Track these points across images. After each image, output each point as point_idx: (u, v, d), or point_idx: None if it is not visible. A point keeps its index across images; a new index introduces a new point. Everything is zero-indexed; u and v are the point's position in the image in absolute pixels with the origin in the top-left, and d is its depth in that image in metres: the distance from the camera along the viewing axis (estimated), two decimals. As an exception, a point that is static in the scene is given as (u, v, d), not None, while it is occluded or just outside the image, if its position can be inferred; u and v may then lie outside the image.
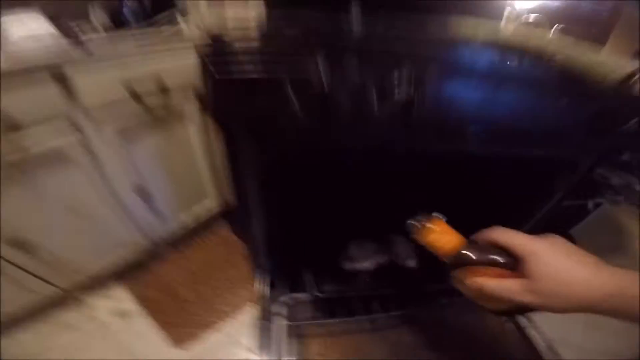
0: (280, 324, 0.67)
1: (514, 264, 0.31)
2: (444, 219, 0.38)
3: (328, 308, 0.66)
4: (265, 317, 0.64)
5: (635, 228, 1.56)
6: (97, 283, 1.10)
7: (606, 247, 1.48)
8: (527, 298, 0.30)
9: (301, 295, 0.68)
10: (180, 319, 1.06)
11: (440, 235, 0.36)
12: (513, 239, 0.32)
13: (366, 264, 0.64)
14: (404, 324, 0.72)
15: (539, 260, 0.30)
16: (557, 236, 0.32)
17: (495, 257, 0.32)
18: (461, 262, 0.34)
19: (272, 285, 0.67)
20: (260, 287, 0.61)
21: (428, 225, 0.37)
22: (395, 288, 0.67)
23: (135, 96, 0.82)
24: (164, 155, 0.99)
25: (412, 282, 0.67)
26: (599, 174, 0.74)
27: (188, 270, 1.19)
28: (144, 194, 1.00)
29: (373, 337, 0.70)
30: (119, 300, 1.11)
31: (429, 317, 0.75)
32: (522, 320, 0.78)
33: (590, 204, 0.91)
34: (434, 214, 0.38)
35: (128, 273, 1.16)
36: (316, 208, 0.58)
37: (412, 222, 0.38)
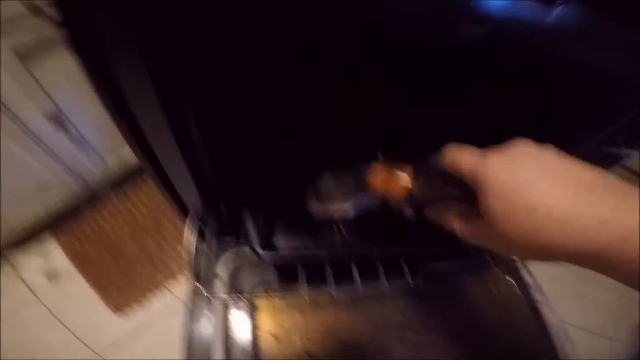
0: (219, 294, 0.52)
1: (472, 195, 0.23)
2: (380, 157, 0.33)
3: (289, 273, 0.48)
4: (202, 284, 0.47)
5: None
6: (24, 238, 0.98)
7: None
8: (489, 245, 0.23)
9: (250, 254, 0.50)
10: (121, 280, 0.94)
11: (388, 177, 0.31)
12: (460, 163, 0.24)
13: (344, 207, 0.44)
14: (395, 297, 0.59)
15: (490, 192, 0.21)
16: (525, 144, 0.22)
17: (440, 193, 0.27)
18: (412, 203, 0.30)
19: (203, 238, 0.48)
20: (191, 243, 0.43)
21: (369, 174, 0.32)
22: (385, 247, 0.48)
23: (35, 9, 0.68)
24: (81, 78, 0.78)
25: (408, 240, 0.48)
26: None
27: (131, 218, 1.04)
28: (60, 123, 0.81)
29: (351, 314, 0.57)
30: (51, 258, 0.98)
31: (428, 290, 0.61)
32: (535, 293, 0.66)
33: (623, 152, 0.73)
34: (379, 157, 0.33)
35: (61, 223, 1.02)
36: (261, 118, 0.38)
37: (355, 174, 0.34)
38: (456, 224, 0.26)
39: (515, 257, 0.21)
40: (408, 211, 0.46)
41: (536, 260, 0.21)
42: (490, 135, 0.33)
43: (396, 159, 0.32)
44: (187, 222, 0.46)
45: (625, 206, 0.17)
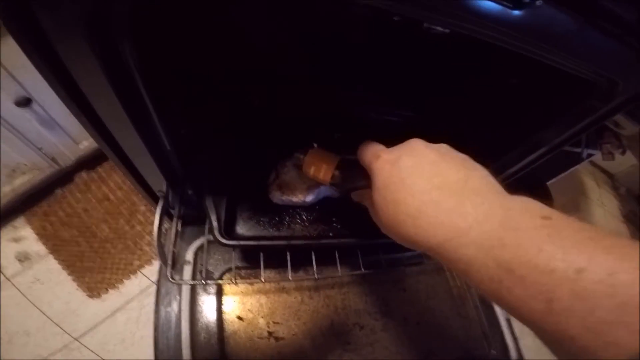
0: (187, 279, 0.53)
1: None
2: (315, 146, 0.37)
3: (255, 259, 0.49)
4: (171, 269, 0.47)
5: (594, 193, 1.58)
6: None
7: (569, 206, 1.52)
8: (382, 230, 0.25)
9: (212, 240, 0.51)
10: (94, 262, 0.92)
11: (318, 165, 0.35)
12: (363, 157, 0.27)
13: (304, 196, 0.45)
14: (355, 283, 0.62)
15: (374, 186, 0.24)
16: (413, 146, 0.24)
17: (356, 181, 0.30)
18: (339, 187, 0.35)
19: (173, 220, 0.49)
20: (159, 229, 0.43)
21: (304, 158, 0.37)
22: (341, 237, 0.50)
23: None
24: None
25: (363, 230, 0.51)
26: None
27: (104, 200, 1.01)
28: (27, 105, 0.78)
29: (313, 299, 0.59)
30: (23, 241, 0.95)
31: (386, 278, 0.64)
32: None
33: (584, 153, 0.77)
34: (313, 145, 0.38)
35: (32, 206, 0.98)
36: (217, 99, 0.39)
37: (293, 159, 0.39)
38: (368, 206, 0.29)
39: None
40: (334, 192, 0.50)
41: (408, 246, 0.22)
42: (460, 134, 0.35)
43: (330, 150, 0.37)
44: (157, 208, 0.47)
45: (461, 210, 0.19)
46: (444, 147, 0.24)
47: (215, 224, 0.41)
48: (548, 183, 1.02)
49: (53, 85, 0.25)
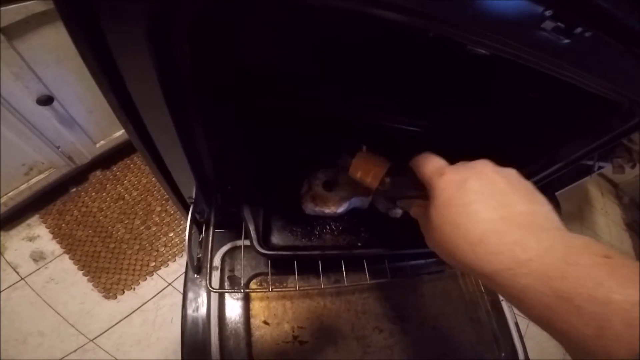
0: (215, 285, 0.53)
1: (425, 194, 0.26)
2: (364, 149, 0.35)
3: (282, 266, 0.51)
4: (199, 275, 0.48)
5: (598, 202, 1.62)
6: (10, 219, 0.93)
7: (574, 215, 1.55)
8: (427, 242, 0.25)
9: (247, 248, 0.52)
10: (109, 263, 0.91)
11: (367, 168, 0.33)
12: (424, 170, 0.26)
13: (336, 207, 0.46)
14: (375, 289, 0.63)
15: (433, 203, 0.23)
16: (482, 168, 0.23)
17: (409, 190, 0.29)
18: (386, 194, 0.33)
19: (201, 230, 0.50)
20: (190, 235, 0.44)
21: (352, 160, 0.35)
22: (371, 247, 0.51)
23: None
24: (71, 57, 0.75)
25: (391, 241, 0.52)
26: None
27: (118, 197, 1.00)
28: (48, 103, 0.78)
29: (335, 304, 0.60)
30: (36, 237, 0.94)
31: (405, 284, 0.65)
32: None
33: (596, 166, 0.79)
34: (362, 148, 0.36)
35: (47, 205, 0.98)
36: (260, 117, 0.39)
37: (340, 160, 0.36)
38: (417, 214, 0.28)
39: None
40: (384, 208, 0.50)
41: (452, 265, 0.23)
42: (479, 146, 0.36)
43: (380, 154, 0.35)
44: (188, 216, 0.47)
45: (524, 244, 0.19)
46: (513, 175, 0.24)
47: (253, 234, 0.42)
48: (558, 193, 1.05)
49: (105, 91, 0.25)
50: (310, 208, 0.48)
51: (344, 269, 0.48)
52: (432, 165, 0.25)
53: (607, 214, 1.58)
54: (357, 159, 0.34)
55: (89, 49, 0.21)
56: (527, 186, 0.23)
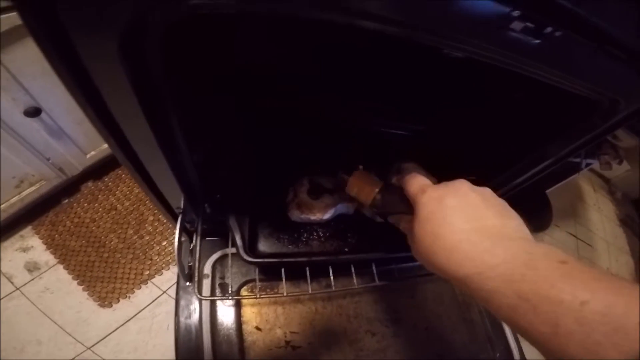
0: (207, 292, 0.54)
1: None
2: (360, 168, 0.38)
3: (272, 272, 0.51)
4: (190, 283, 0.48)
5: (591, 198, 1.62)
6: (2, 231, 0.94)
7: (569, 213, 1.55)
8: (413, 254, 0.27)
9: (233, 254, 0.52)
10: (104, 272, 0.92)
11: (361, 186, 0.37)
12: (408, 186, 0.28)
13: (322, 214, 0.47)
14: (366, 293, 0.63)
15: (416, 218, 0.26)
16: (460, 187, 0.26)
17: (399, 206, 0.31)
18: (378, 209, 0.36)
19: (191, 238, 0.50)
20: (179, 244, 0.44)
21: (348, 178, 0.38)
22: (358, 252, 0.52)
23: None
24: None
25: (377, 245, 0.53)
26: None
27: (110, 208, 1.01)
28: (36, 115, 0.77)
29: (327, 308, 0.60)
30: (31, 251, 0.94)
31: (396, 287, 0.66)
32: None
33: (583, 164, 0.80)
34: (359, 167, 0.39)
35: (40, 216, 0.98)
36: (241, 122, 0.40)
37: (340, 176, 0.39)
38: (405, 229, 0.31)
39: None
40: (370, 213, 0.51)
41: (436, 274, 0.25)
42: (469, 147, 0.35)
43: (375, 172, 0.39)
44: (177, 225, 0.48)
45: (493, 251, 0.22)
46: (487, 192, 0.26)
47: (239, 242, 0.43)
48: (548, 191, 1.06)
49: (81, 104, 0.25)
50: (296, 215, 0.49)
51: (331, 274, 0.49)
52: (417, 184, 0.28)
53: (600, 210, 1.59)
54: (353, 177, 0.38)
55: (61, 65, 0.21)
56: (499, 202, 0.26)
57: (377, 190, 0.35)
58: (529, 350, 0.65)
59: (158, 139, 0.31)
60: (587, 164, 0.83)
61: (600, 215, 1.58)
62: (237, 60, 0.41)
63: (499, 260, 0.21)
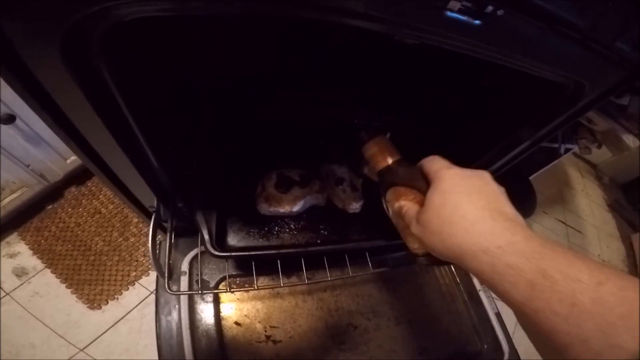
0: (185, 290, 0.54)
1: (425, 190, 0.30)
2: (386, 136, 0.38)
3: (249, 267, 0.51)
4: (169, 281, 0.48)
5: (578, 184, 1.61)
6: None
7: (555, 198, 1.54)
8: (414, 228, 0.28)
9: (203, 251, 0.52)
10: (91, 275, 0.92)
11: (379, 152, 0.37)
12: (431, 164, 0.30)
13: (290, 207, 0.47)
14: (347, 285, 0.63)
15: (436, 188, 0.27)
16: (483, 174, 0.28)
17: (413, 179, 0.32)
18: (386, 177, 0.35)
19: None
20: (155, 242, 0.45)
21: (371, 141, 0.38)
22: (332, 242, 0.52)
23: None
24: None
25: (354, 236, 0.53)
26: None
27: (94, 211, 1.01)
28: (12, 123, 0.76)
29: (307, 302, 0.61)
30: (16, 254, 0.94)
31: (377, 279, 0.65)
32: (477, 282, 0.71)
33: (562, 149, 0.80)
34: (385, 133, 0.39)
35: (25, 222, 0.98)
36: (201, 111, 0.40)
37: (361, 134, 0.39)
38: (402, 203, 0.32)
39: (426, 245, 0.28)
40: (320, 201, 0.50)
41: (440, 249, 0.26)
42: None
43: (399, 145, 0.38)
44: (150, 223, 0.48)
45: (513, 229, 0.23)
46: (502, 189, 0.28)
47: (206, 237, 0.43)
48: (532, 177, 1.06)
49: (35, 109, 0.25)
50: (265, 209, 0.49)
51: (304, 267, 0.49)
52: (441, 162, 0.30)
53: (588, 196, 1.59)
54: (375, 140, 0.38)
55: (9, 75, 0.21)
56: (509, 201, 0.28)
57: (396, 159, 0.36)
58: (518, 341, 0.65)
59: (118, 141, 0.31)
60: (567, 149, 0.83)
61: (589, 200, 1.58)
62: (193, 60, 0.40)
63: (519, 237, 0.22)
